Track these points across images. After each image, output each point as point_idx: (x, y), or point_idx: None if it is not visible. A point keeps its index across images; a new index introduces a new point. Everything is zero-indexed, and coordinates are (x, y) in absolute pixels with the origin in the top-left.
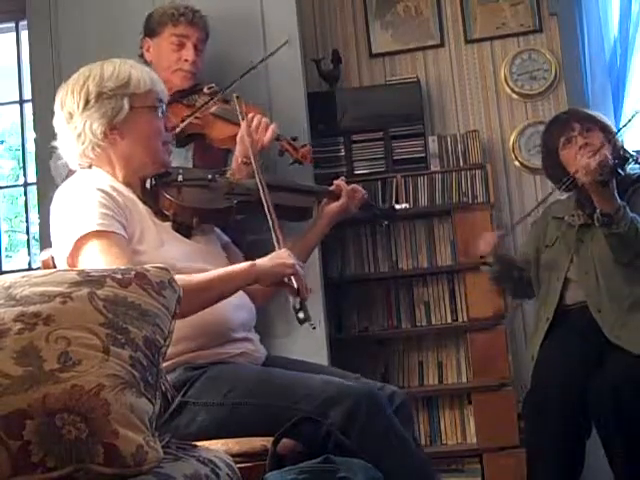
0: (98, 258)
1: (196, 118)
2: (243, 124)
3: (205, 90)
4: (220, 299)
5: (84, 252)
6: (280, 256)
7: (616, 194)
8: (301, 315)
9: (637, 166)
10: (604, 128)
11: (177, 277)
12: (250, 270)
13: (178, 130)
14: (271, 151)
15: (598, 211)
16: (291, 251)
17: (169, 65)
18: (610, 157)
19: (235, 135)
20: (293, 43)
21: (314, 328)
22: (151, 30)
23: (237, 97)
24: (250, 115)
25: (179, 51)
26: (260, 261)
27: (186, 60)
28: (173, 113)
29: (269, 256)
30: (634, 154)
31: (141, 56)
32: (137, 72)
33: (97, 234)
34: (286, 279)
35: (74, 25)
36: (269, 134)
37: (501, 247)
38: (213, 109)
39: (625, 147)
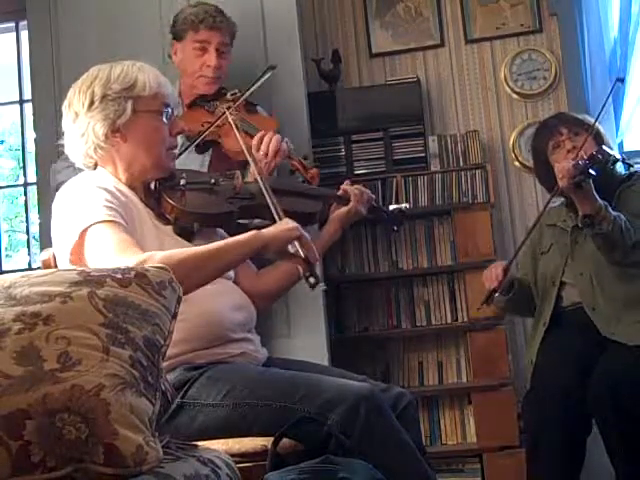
0: (108, 242)
1: (215, 126)
2: (254, 148)
3: (228, 96)
4: (226, 270)
5: (92, 239)
6: (282, 222)
7: (595, 195)
8: (312, 280)
9: (625, 165)
10: (590, 131)
11: (179, 250)
12: (255, 237)
13: (199, 140)
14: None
15: (580, 213)
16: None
17: (194, 71)
18: (584, 158)
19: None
20: (293, 43)
21: (325, 290)
22: (177, 34)
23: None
24: (260, 137)
25: (202, 56)
26: (264, 229)
27: (208, 66)
28: (193, 118)
29: (272, 226)
30: (613, 154)
31: (170, 57)
32: (144, 75)
33: (104, 222)
34: (291, 248)
35: (74, 25)
36: (279, 157)
37: (508, 276)
38: (231, 118)
39: (603, 147)
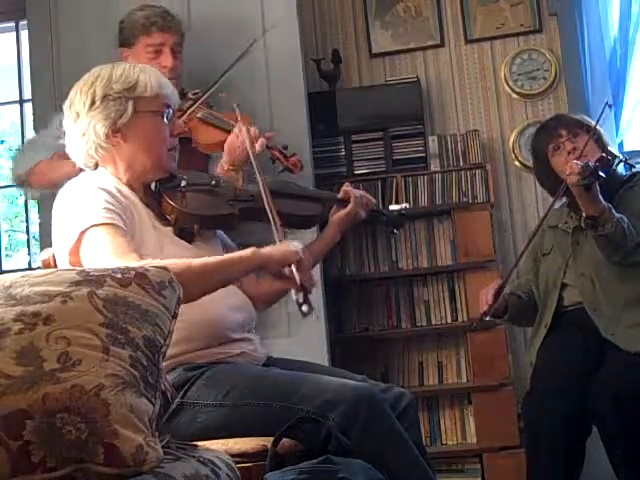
0: (103, 245)
1: (183, 123)
2: (233, 134)
3: (190, 95)
4: (221, 285)
5: (89, 241)
6: (284, 244)
7: (600, 196)
8: (304, 309)
9: (627, 166)
10: (590, 131)
11: (177, 261)
12: (253, 255)
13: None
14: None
15: (583, 214)
16: None
17: None
18: (592, 160)
19: (221, 141)
20: (293, 43)
21: (317, 318)
22: (126, 41)
23: (238, 105)
24: (240, 126)
25: (156, 59)
26: (264, 248)
27: (165, 67)
28: None
29: (273, 245)
30: (619, 155)
31: None
32: (145, 76)
33: (102, 225)
34: (288, 271)
35: (74, 25)
36: (259, 144)
37: (501, 299)
38: (200, 114)
39: (610, 149)
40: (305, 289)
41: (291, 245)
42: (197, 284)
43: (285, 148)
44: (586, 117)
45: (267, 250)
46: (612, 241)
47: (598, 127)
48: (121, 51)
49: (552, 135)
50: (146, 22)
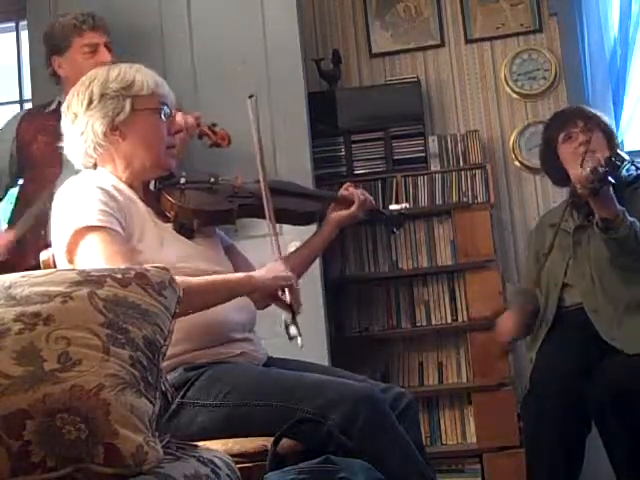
0: (96, 252)
1: None
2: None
3: None
4: (215, 304)
5: (82, 246)
6: (277, 268)
7: (614, 200)
8: (292, 331)
9: (633, 168)
10: (605, 130)
11: (176, 278)
12: (247, 280)
13: None
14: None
15: (597, 217)
16: (295, 256)
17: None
18: (602, 164)
19: None
20: (293, 43)
21: (301, 347)
22: (57, 47)
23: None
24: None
25: (93, 57)
26: (257, 272)
27: (104, 63)
28: None
29: (265, 267)
30: (628, 158)
31: (52, 74)
32: (142, 75)
33: (96, 229)
34: (280, 293)
35: None
36: (178, 117)
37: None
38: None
39: (619, 152)
40: (293, 311)
41: (283, 269)
42: (194, 300)
43: (214, 125)
44: (604, 116)
45: (261, 275)
46: (624, 245)
47: (612, 128)
48: (53, 59)
49: (567, 123)
50: (77, 23)
